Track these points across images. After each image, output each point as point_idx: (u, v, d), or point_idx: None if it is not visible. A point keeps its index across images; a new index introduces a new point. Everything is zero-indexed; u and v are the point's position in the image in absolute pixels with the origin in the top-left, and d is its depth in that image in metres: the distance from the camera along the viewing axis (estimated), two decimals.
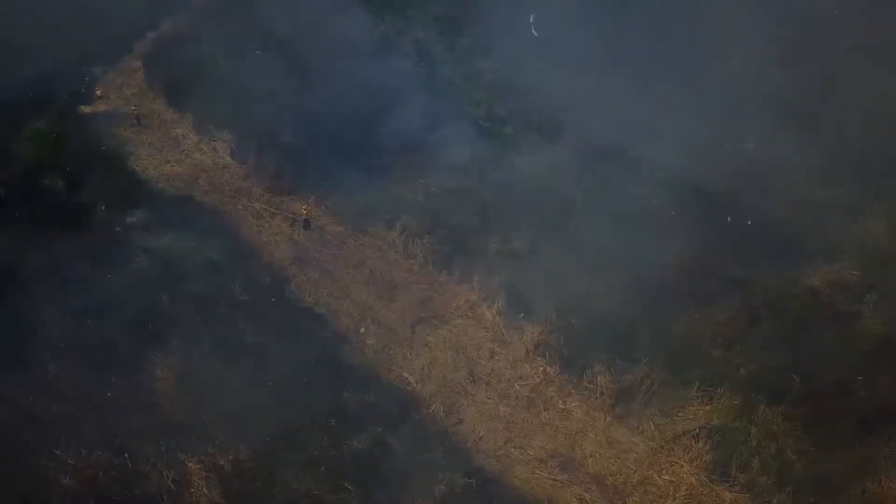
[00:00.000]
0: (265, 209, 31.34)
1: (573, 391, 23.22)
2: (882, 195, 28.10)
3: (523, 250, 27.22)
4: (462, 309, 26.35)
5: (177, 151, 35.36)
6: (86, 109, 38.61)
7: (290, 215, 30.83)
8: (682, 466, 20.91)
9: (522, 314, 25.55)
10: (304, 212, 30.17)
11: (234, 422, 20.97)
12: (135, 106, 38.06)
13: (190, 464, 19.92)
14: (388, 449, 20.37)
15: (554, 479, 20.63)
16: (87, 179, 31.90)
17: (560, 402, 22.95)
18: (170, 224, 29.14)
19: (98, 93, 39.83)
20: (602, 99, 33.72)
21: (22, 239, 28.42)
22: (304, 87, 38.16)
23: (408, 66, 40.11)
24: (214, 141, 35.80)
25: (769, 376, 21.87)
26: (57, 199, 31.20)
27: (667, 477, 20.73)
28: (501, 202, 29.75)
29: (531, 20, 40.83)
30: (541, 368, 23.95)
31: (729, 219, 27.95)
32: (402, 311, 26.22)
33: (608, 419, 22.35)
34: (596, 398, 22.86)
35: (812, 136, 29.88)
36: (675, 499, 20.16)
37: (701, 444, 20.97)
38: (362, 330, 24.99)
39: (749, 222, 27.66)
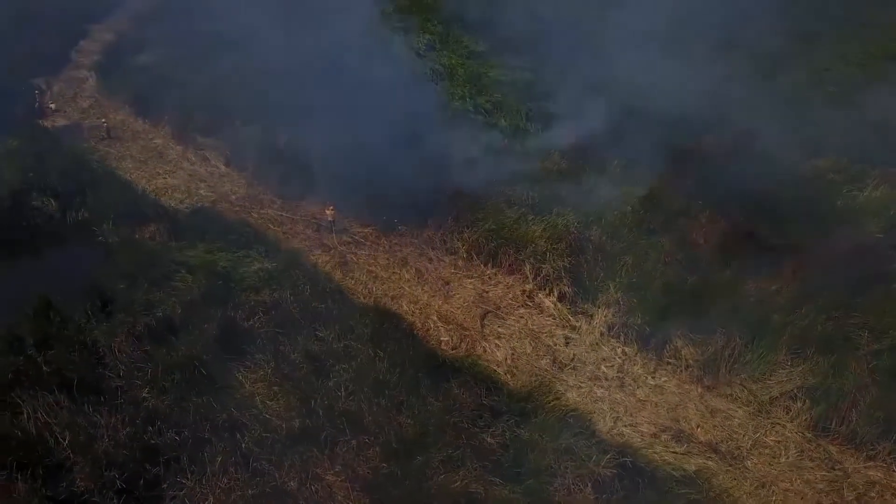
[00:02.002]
0: (282, 216, 30.27)
1: (658, 367, 23.81)
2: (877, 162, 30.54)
3: (568, 234, 27.50)
4: (520, 299, 26.44)
5: (163, 163, 33.66)
6: (45, 124, 35.99)
7: (313, 220, 29.90)
8: (786, 426, 21.90)
9: (584, 299, 25.94)
10: (330, 214, 29.29)
11: (353, 428, 20.14)
12: (104, 118, 35.75)
13: (329, 477, 19.00)
14: (520, 440, 20.18)
15: (674, 452, 21.06)
16: (79, 196, 29.70)
17: (650, 378, 23.48)
18: (192, 237, 27.57)
19: (52, 106, 37.35)
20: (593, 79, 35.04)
21: (36, 265, 26.23)
22: (280, 87, 37.06)
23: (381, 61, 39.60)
24: (202, 150, 34.22)
25: (844, 334, 23.26)
26: (53, 220, 28.90)
27: (773, 438, 21.67)
28: (528, 188, 30.06)
29: None
30: (619, 349, 24.40)
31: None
32: (463, 306, 25.99)
33: (700, 390, 23.08)
34: (683, 371, 23.52)
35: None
36: (787, 457, 21.06)
37: (800, 404, 22.02)
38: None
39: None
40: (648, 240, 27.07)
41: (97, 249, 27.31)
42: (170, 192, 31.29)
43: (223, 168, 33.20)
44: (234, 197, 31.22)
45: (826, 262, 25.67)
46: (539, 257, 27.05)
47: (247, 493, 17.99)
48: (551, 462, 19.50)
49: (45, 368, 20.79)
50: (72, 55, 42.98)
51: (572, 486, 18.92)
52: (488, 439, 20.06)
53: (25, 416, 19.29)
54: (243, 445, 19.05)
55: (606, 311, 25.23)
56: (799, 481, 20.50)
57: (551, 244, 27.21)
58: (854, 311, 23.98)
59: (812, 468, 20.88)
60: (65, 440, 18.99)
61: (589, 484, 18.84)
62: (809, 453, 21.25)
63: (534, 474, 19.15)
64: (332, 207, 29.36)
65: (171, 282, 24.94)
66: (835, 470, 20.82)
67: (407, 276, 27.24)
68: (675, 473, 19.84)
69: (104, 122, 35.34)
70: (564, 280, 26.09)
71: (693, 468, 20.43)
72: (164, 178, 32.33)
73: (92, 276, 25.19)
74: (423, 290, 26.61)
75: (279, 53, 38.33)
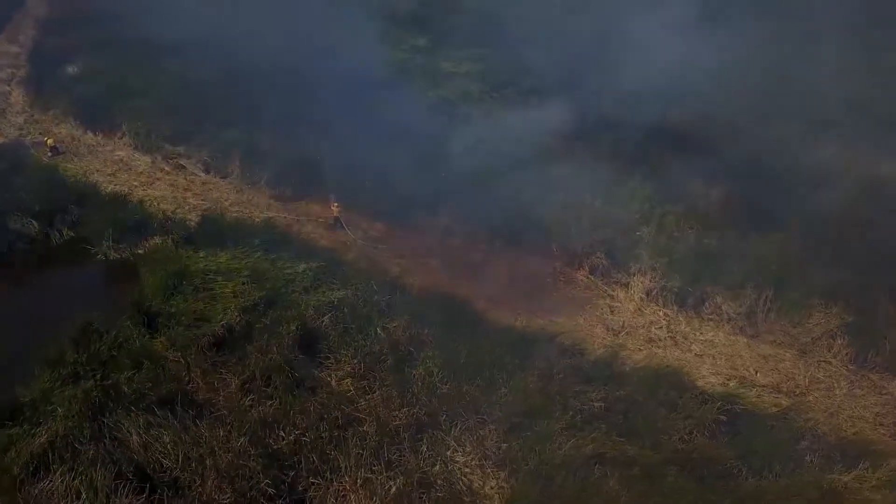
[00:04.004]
0: (285, 218, 29.36)
1: (702, 324, 25.32)
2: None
3: (586, 211, 28.61)
4: (553, 275, 27.19)
5: (134, 175, 31.83)
6: None
7: (321, 220, 29.28)
8: (831, 363, 23.98)
9: (615, 269, 27.11)
10: (335, 210, 28.82)
11: (463, 410, 20.13)
12: (46, 135, 33.17)
13: (459, 458, 18.91)
14: (623, 400, 20.87)
15: (746, 397, 22.57)
16: (61, 215, 27.62)
17: (699, 334, 24.91)
18: (208, 245, 26.24)
19: None
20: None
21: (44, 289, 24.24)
22: (235, 83, 36.15)
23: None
24: (174, 158, 32.56)
25: (862, 278, 25.72)
26: (37, 241, 26.81)
27: (823, 374, 23.68)
28: (534, 167, 30.86)
29: None
30: (661, 312, 25.71)
31: None
32: (502, 286, 26.33)
33: (746, 339, 24.79)
34: (725, 324, 25.18)
35: None
36: (840, 388, 23.09)
37: (840, 341, 24.19)
38: None
39: None
40: (662, 208, 28.57)
41: (111, 267, 25.58)
42: (156, 203, 29.42)
43: (203, 175, 31.66)
44: (227, 203, 29.89)
45: (821, 219, 28.26)
46: (560, 234, 27.91)
47: (390, 485, 17.58)
48: (661, 416, 20.34)
49: (125, 390, 19.28)
50: None
51: (687, 437, 19.82)
52: (595, 403, 20.58)
53: (132, 439, 17.87)
54: (368, 438, 18.58)
55: (641, 278, 26.42)
56: (858, 407, 22.53)
57: (573, 220, 28.14)
58: (855, 259, 26.51)
59: (863, 395, 23.02)
60: (177, 457, 17.75)
61: (705, 430, 19.82)
62: (857, 383, 23.40)
63: (650, 429, 19.88)
64: (335, 203, 28.84)
65: (210, 290, 23.69)
66: (883, 395, 23.04)
67: (437, 265, 27.23)
68: (770, 411, 21.23)
69: (49, 140, 32.52)
70: (597, 253, 27.07)
71: (771, 409, 21.89)
72: (144, 189, 30.37)
73: (125, 292, 23.54)
74: (456, 275, 26.66)
75: (217, 55, 37.12)
